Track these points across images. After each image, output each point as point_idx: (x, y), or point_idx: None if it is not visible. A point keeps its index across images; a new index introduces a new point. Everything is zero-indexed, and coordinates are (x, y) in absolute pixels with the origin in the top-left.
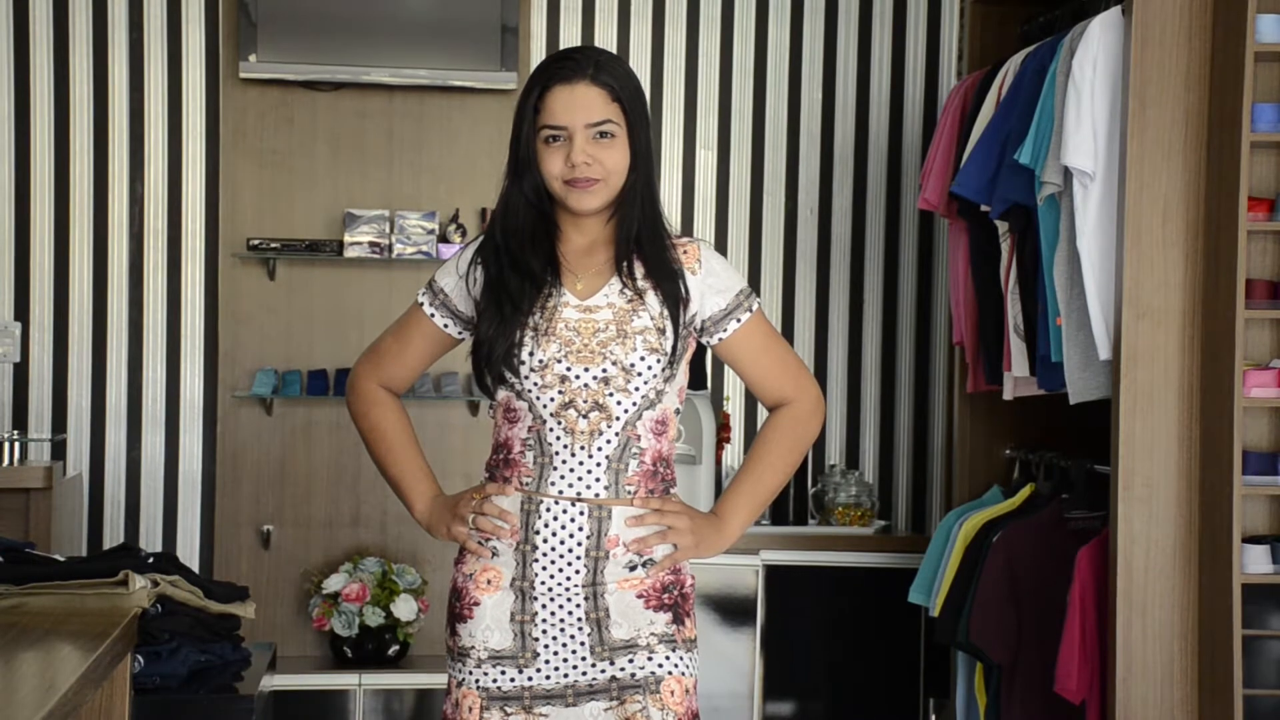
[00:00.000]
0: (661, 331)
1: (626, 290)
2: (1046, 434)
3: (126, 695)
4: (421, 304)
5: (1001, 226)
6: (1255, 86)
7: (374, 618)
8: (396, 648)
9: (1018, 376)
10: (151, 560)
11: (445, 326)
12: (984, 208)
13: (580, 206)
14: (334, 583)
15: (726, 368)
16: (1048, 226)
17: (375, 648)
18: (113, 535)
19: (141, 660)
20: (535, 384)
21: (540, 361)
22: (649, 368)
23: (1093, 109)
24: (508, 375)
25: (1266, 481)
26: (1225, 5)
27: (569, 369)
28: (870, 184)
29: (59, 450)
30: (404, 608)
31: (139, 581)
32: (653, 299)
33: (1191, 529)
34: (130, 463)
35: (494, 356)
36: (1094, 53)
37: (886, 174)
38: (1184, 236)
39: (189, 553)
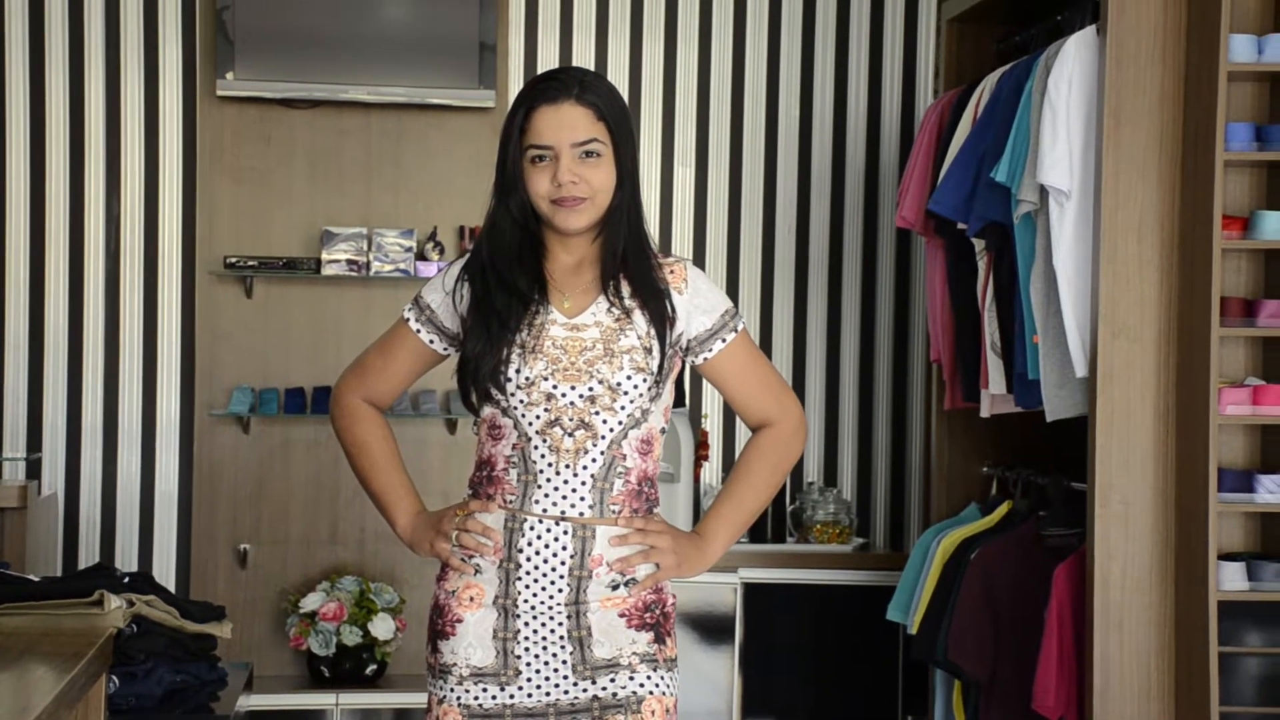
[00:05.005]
0: (648, 351)
1: (614, 309)
2: (1023, 451)
3: (102, 716)
4: (408, 319)
5: (978, 244)
6: (1228, 105)
7: (351, 637)
8: (374, 667)
9: (995, 394)
10: (127, 580)
11: (431, 342)
12: (961, 225)
13: (567, 225)
14: (311, 601)
15: (704, 385)
16: (1024, 244)
17: (352, 667)
18: (88, 555)
19: (117, 681)
20: (521, 401)
21: (526, 379)
22: (635, 387)
23: (1068, 127)
24: (494, 392)
25: (1242, 499)
26: (1199, 25)
27: (555, 387)
28: (848, 201)
29: (34, 469)
30: (381, 627)
31: (114, 601)
32: (640, 318)
33: (1168, 546)
34: (106, 481)
35: (480, 374)
36: (1069, 71)
37: (864, 191)
38: (1159, 255)
39: (165, 572)
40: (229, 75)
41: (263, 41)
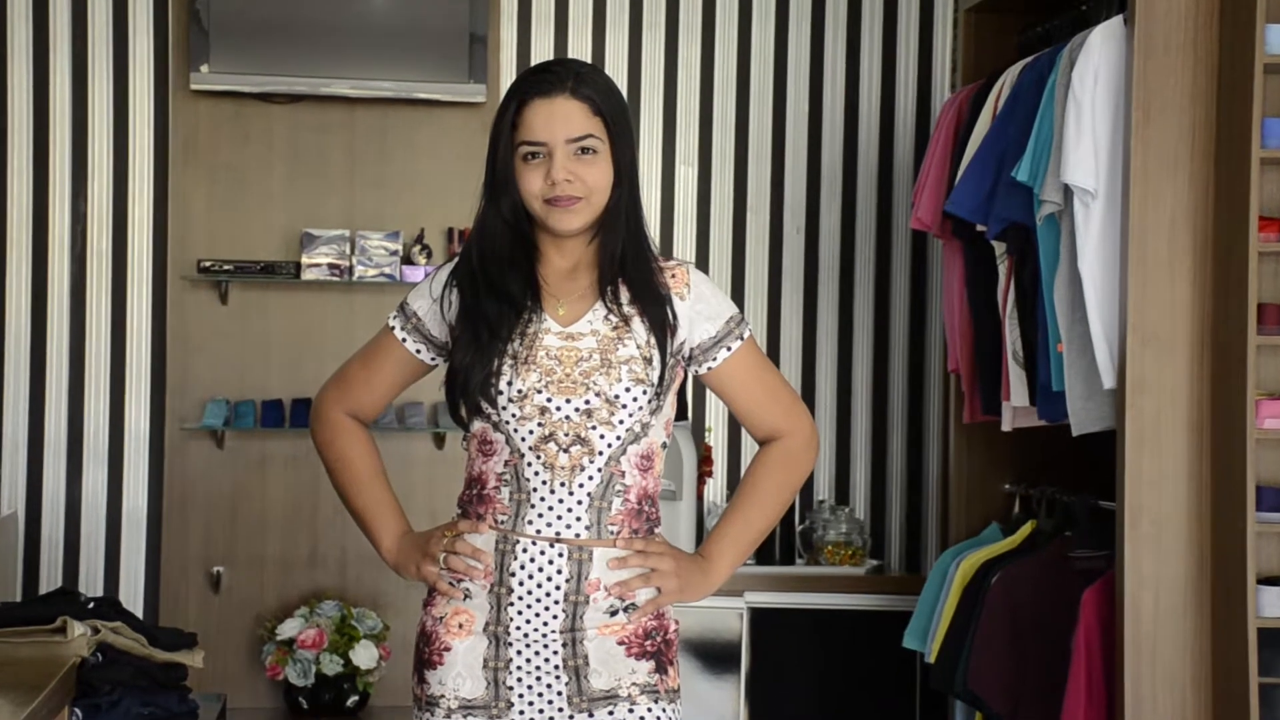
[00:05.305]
0: (648, 361)
1: (611, 316)
2: (1048, 468)
3: None
4: (392, 328)
5: (999, 247)
6: (1265, 100)
7: (331, 666)
8: (356, 698)
9: (1017, 406)
10: (92, 605)
11: (417, 352)
12: (980, 228)
13: (561, 227)
14: (289, 628)
15: (708, 397)
16: (1047, 247)
17: (333, 698)
18: (50, 578)
19: (80, 714)
20: (513, 415)
21: (519, 391)
22: (634, 399)
23: (1094, 123)
24: (484, 406)
25: None
26: (1232, 14)
27: (549, 400)
28: (860, 202)
29: None
30: (364, 655)
31: (78, 628)
32: (639, 326)
33: (1203, 569)
34: (70, 500)
35: (470, 386)
36: (1095, 64)
37: (877, 191)
38: (1191, 258)
39: (133, 597)
40: (203, 68)
41: (239, 32)
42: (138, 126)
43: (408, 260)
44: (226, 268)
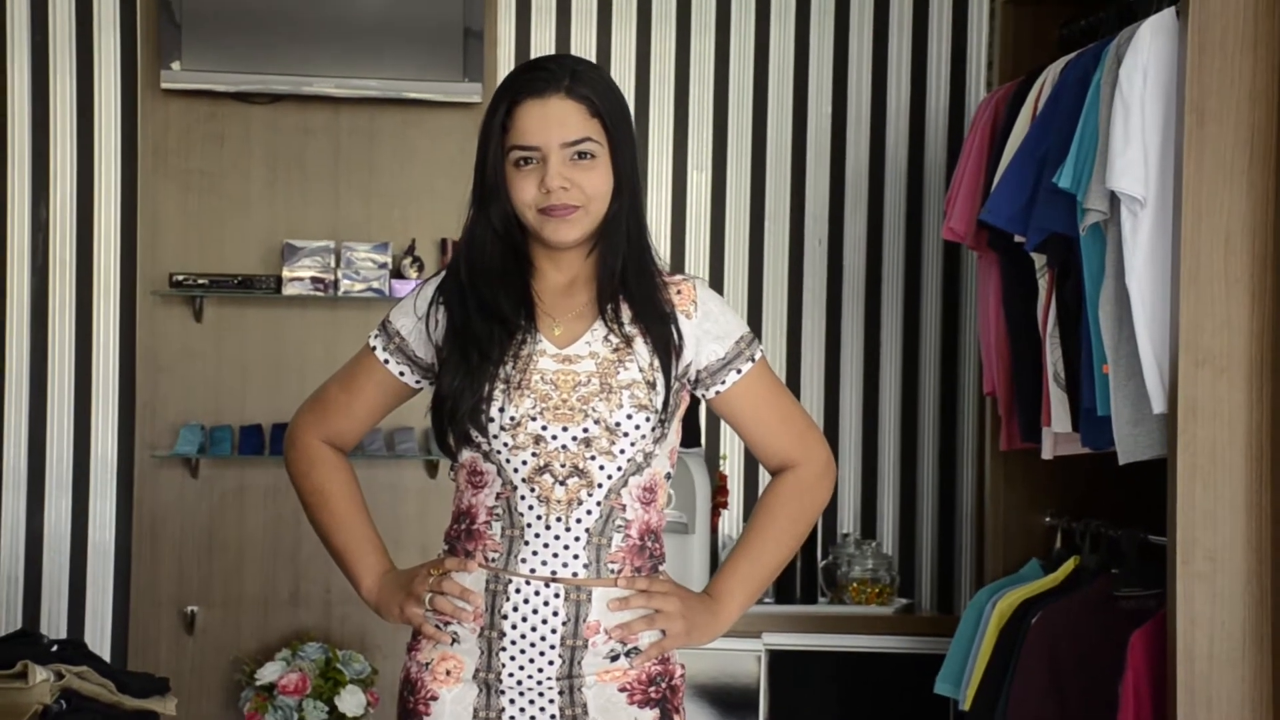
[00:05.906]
0: (651, 385)
1: (612, 337)
2: (1092, 499)
3: None
4: (374, 348)
5: (1038, 260)
6: None
7: (315, 713)
8: None
9: (1058, 432)
10: (55, 648)
11: (401, 374)
12: (1018, 238)
13: (557, 238)
14: (269, 672)
15: (723, 420)
16: (1092, 260)
17: None
18: (9, 619)
19: None
20: (506, 445)
21: (512, 419)
22: (637, 427)
23: (1143, 125)
24: (474, 434)
25: None
26: None
27: (545, 428)
28: (887, 211)
29: None
30: (350, 701)
31: (40, 673)
32: (642, 347)
33: (1263, 610)
34: (31, 533)
35: (459, 413)
36: (1144, 61)
37: (906, 199)
38: (1250, 271)
39: (99, 639)
40: (175, 64)
41: (214, 26)
42: (103, 128)
43: (397, 274)
44: (201, 282)
